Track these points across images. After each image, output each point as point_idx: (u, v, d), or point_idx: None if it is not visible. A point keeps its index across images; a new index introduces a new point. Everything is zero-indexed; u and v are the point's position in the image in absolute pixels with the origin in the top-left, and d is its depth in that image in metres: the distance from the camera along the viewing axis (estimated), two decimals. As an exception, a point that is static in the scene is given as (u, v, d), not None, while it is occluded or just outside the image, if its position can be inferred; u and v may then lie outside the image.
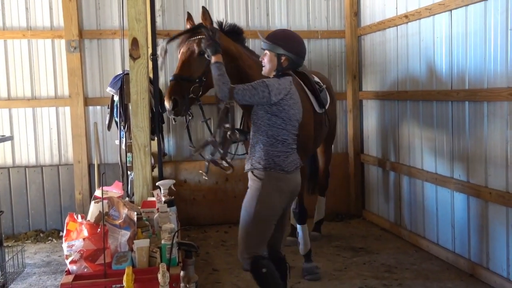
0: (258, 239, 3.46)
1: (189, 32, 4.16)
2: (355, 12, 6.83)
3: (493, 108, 4.34)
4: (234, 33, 4.35)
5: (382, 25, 6.14)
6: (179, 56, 4.16)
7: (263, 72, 3.61)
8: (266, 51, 3.54)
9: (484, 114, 4.45)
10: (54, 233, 6.28)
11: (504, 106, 4.20)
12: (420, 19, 5.33)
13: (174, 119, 4.06)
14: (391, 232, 6.10)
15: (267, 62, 3.54)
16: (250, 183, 3.52)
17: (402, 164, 5.84)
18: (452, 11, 4.80)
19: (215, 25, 4.17)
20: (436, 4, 5.00)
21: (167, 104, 3.95)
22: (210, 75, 3.75)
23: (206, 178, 3.76)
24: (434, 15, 5.07)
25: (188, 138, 4.49)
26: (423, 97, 5.34)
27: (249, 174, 3.52)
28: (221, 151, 3.63)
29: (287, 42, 3.50)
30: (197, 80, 4.05)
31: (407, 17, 5.53)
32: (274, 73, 3.54)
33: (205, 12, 4.00)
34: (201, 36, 3.97)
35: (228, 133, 3.53)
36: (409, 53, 5.63)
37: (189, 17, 4.38)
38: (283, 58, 3.50)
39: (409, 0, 5.57)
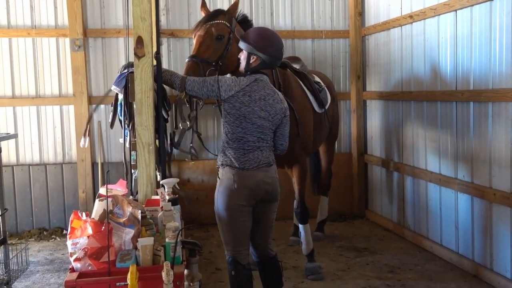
0: (229, 238, 3.52)
1: (206, 17, 4.24)
2: (360, 12, 6.83)
3: (498, 108, 4.33)
4: (246, 23, 4.41)
5: (386, 25, 6.13)
6: (194, 39, 4.21)
7: (239, 69, 3.65)
8: (242, 48, 3.59)
9: (489, 115, 4.44)
10: (57, 231, 6.29)
11: (509, 106, 4.19)
12: (425, 19, 5.32)
13: (187, 100, 4.06)
14: (395, 232, 6.10)
15: (242, 59, 3.60)
16: None
17: (405, 165, 5.83)
18: (457, 11, 4.79)
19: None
20: (441, 4, 4.99)
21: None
22: (225, 60, 4.09)
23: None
24: (439, 15, 5.06)
25: (195, 126, 4.51)
26: (427, 97, 5.33)
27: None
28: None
29: (259, 43, 3.49)
30: (213, 64, 4.09)
31: (412, 17, 5.52)
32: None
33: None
34: (219, 21, 4.10)
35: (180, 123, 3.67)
36: (413, 53, 5.62)
37: (204, 4, 4.45)
38: (254, 57, 3.51)
39: (413, 0, 5.56)
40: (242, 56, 3.59)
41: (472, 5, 4.57)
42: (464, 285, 4.52)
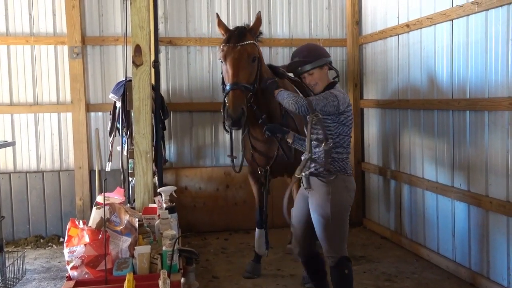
0: (343, 238, 3.66)
1: (235, 37, 4.06)
2: (357, 20, 6.87)
3: (493, 117, 4.36)
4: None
5: (383, 34, 6.17)
6: (226, 62, 3.98)
7: (316, 92, 3.69)
8: (312, 71, 3.63)
9: (485, 124, 4.46)
10: (54, 239, 6.27)
11: (505, 115, 4.21)
12: (421, 28, 5.36)
13: (230, 130, 4.02)
14: (392, 240, 6.10)
15: (318, 79, 3.66)
16: (312, 187, 3.63)
17: (402, 173, 5.85)
18: (453, 20, 4.83)
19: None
20: (437, 13, 5.02)
21: (233, 114, 3.76)
22: (257, 82, 4.05)
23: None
24: (435, 24, 5.10)
25: (230, 149, 4.56)
26: (424, 106, 5.35)
27: (310, 179, 3.63)
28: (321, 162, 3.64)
29: (316, 52, 3.70)
30: (252, 88, 4.00)
31: (409, 26, 5.56)
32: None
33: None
34: (250, 41, 3.96)
35: (323, 144, 3.55)
36: (410, 62, 5.65)
37: (221, 22, 4.25)
38: (325, 67, 3.69)
39: (410, 9, 5.60)
40: (316, 77, 3.65)
41: (468, 15, 4.61)
42: (461, 293, 4.52)
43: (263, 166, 4.70)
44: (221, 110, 4.06)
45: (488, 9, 4.35)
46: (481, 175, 4.53)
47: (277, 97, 3.75)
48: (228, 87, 3.85)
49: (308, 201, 3.71)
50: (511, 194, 4.19)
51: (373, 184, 6.69)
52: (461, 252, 4.86)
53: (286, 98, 3.64)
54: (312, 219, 3.67)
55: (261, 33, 4.29)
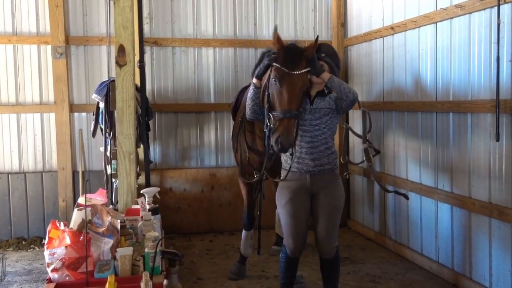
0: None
1: (295, 62, 3.72)
2: (342, 23, 6.90)
3: (476, 119, 4.40)
4: None
5: (368, 36, 6.20)
6: (284, 86, 3.63)
7: (311, 92, 3.80)
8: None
9: (468, 126, 4.50)
10: (36, 241, 6.19)
11: (487, 117, 4.25)
12: (405, 31, 5.39)
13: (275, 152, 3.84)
14: (376, 242, 6.12)
15: (322, 83, 3.77)
16: (329, 181, 3.79)
17: (387, 174, 5.87)
18: (437, 23, 4.87)
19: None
20: (421, 16, 5.06)
21: (286, 143, 3.56)
22: None
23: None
24: (419, 27, 5.14)
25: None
26: (408, 108, 5.39)
27: (327, 173, 3.80)
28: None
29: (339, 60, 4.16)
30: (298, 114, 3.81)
31: (393, 29, 5.59)
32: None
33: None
34: (308, 69, 3.71)
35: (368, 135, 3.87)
36: (394, 64, 5.68)
37: (279, 36, 3.79)
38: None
39: (395, 12, 5.63)
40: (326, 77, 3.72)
41: (452, 18, 4.64)
42: (444, 294, 4.56)
43: (258, 169, 4.54)
44: (265, 129, 3.82)
45: (471, 12, 4.40)
46: (464, 177, 4.57)
47: (330, 81, 3.69)
48: (281, 114, 3.61)
49: (310, 197, 3.81)
50: (493, 195, 4.23)
51: (358, 186, 6.72)
52: (444, 253, 4.89)
53: (342, 83, 3.73)
54: (326, 214, 3.78)
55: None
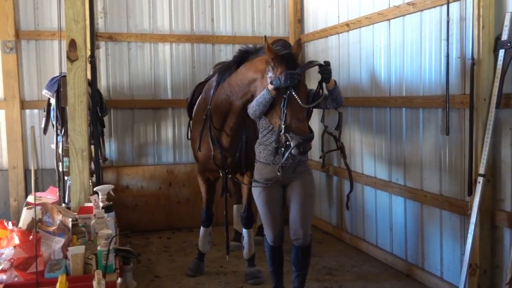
0: None
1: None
2: (299, 19, 6.95)
3: (428, 114, 4.52)
4: None
5: (324, 33, 6.27)
6: (301, 92, 3.68)
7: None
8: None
9: (420, 120, 4.62)
10: (-14, 242, 5.98)
11: (438, 112, 4.38)
12: (360, 27, 5.48)
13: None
14: (333, 235, 6.21)
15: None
16: (301, 171, 3.97)
17: (343, 169, 5.95)
18: (390, 20, 4.97)
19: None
20: (375, 13, 5.15)
21: (307, 147, 3.62)
22: None
23: None
24: (373, 24, 5.23)
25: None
26: (363, 103, 5.48)
27: (299, 165, 3.93)
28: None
29: None
30: None
31: (348, 26, 5.67)
32: None
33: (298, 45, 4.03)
34: (320, 98, 3.85)
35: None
36: (350, 60, 5.77)
37: (270, 46, 3.79)
38: None
39: (350, 8, 5.71)
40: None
41: (404, 15, 4.75)
42: (397, 284, 4.66)
43: (222, 166, 4.58)
44: (275, 144, 3.77)
45: (422, 10, 4.51)
46: (416, 170, 4.69)
47: (335, 88, 3.85)
48: (301, 139, 3.59)
49: (282, 188, 3.97)
50: (444, 187, 4.36)
51: (316, 181, 6.76)
52: (399, 245, 5.02)
53: (340, 90, 3.91)
54: (300, 201, 3.93)
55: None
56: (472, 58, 3.86)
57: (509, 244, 3.72)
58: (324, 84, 3.83)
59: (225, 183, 4.75)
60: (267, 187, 3.93)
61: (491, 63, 3.80)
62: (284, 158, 3.64)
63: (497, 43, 3.77)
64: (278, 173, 3.78)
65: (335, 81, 3.86)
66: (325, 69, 3.74)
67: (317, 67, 3.80)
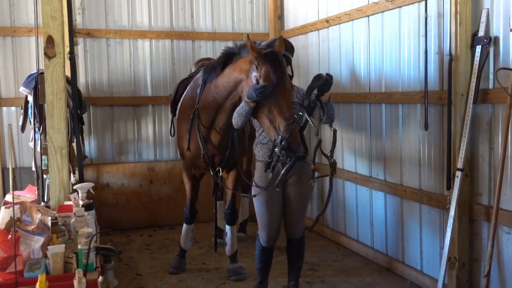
0: None
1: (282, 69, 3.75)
2: (279, 15, 6.95)
3: (407, 110, 4.57)
4: None
5: (304, 29, 6.28)
6: (284, 94, 3.63)
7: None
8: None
9: (399, 116, 4.67)
10: (-37, 243, 5.86)
11: (417, 108, 4.43)
12: (340, 24, 5.51)
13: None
14: (315, 231, 6.24)
15: None
16: (301, 167, 3.91)
17: (325, 165, 5.99)
18: (370, 17, 5.00)
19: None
20: (354, 10, 5.18)
21: (297, 145, 3.54)
22: None
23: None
24: (353, 20, 5.26)
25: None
26: (343, 99, 5.52)
27: (301, 163, 3.85)
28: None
29: None
30: None
31: (328, 22, 5.70)
32: None
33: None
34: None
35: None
36: (330, 56, 5.79)
37: (253, 45, 3.78)
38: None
39: (330, 5, 5.73)
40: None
41: (383, 11, 4.79)
42: (378, 278, 4.72)
43: (211, 164, 4.54)
44: (272, 140, 3.71)
45: (401, 6, 4.55)
46: (396, 165, 4.75)
47: (329, 101, 3.85)
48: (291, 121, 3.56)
49: (281, 189, 3.89)
50: (423, 182, 4.42)
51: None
52: (379, 239, 5.07)
53: (333, 106, 3.93)
54: (296, 198, 3.95)
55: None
56: (450, 54, 3.91)
57: (487, 238, 3.79)
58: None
59: (215, 181, 4.71)
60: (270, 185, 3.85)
61: (468, 59, 3.85)
62: (281, 175, 3.68)
63: (474, 39, 3.82)
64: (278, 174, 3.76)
65: (329, 96, 3.85)
66: (329, 83, 3.72)
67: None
